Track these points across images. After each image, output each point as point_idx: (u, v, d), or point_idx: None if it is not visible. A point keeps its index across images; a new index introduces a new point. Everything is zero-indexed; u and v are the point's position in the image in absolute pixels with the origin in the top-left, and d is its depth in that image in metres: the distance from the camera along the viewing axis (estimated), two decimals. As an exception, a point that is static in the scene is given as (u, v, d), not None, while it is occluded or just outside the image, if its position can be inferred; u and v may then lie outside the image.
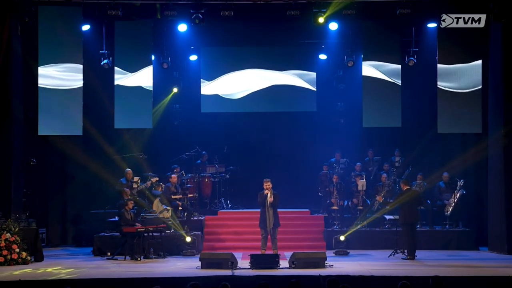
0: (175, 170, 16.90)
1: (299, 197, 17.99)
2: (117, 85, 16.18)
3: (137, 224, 14.72)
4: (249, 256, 13.18)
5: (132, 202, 15.00)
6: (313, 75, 18.06)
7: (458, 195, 16.18)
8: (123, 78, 16.22)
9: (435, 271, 12.16)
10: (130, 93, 16.20)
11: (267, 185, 14.25)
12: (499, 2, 15.34)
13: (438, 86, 15.81)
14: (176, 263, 13.97)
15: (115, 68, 16.24)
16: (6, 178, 15.27)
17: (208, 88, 18.00)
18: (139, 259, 14.28)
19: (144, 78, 16.23)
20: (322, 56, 18.23)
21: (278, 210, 14.40)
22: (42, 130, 15.86)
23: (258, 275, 11.89)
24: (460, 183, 16.25)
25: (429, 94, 16.64)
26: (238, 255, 13.99)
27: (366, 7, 15.82)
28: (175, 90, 18.24)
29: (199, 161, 18.18)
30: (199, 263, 13.14)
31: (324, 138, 18.52)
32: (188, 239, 15.24)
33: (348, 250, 15.25)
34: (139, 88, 16.21)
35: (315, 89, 18.03)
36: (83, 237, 17.34)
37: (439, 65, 15.82)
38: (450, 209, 16.22)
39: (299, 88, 17.96)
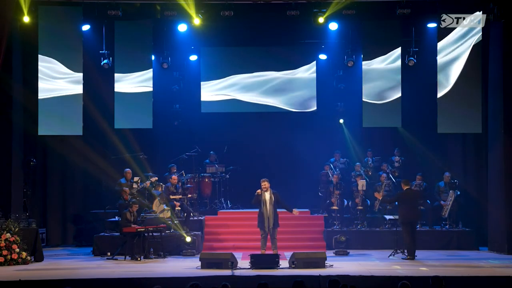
0: (172, 170, 16.86)
1: (299, 197, 17.95)
2: (117, 85, 16.22)
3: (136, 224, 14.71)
4: (249, 256, 13.17)
5: (137, 205, 14.94)
6: (313, 75, 18.04)
7: (453, 196, 16.16)
8: (123, 79, 16.26)
9: (435, 271, 12.17)
10: (131, 93, 16.24)
11: (264, 184, 14.18)
12: (499, 2, 15.35)
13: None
14: (176, 263, 13.96)
15: (115, 68, 16.29)
16: (6, 178, 15.29)
17: (208, 88, 17.99)
18: (139, 259, 14.28)
19: (144, 78, 16.29)
20: (322, 56, 18.21)
21: (278, 210, 14.33)
22: (42, 130, 15.86)
23: (258, 275, 11.90)
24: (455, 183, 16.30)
25: (429, 94, 16.64)
26: (238, 255, 13.98)
27: (366, 7, 15.83)
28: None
29: (207, 161, 18.14)
30: (199, 263, 13.13)
31: (324, 138, 18.52)
32: (188, 239, 15.23)
33: (348, 250, 15.25)
34: (139, 88, 16.30)
35: (315, 89, 18.02)
36: (83, 237, 17.33)
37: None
38: (447, 211, 16.21)
39: (299, 88, 17.94)
